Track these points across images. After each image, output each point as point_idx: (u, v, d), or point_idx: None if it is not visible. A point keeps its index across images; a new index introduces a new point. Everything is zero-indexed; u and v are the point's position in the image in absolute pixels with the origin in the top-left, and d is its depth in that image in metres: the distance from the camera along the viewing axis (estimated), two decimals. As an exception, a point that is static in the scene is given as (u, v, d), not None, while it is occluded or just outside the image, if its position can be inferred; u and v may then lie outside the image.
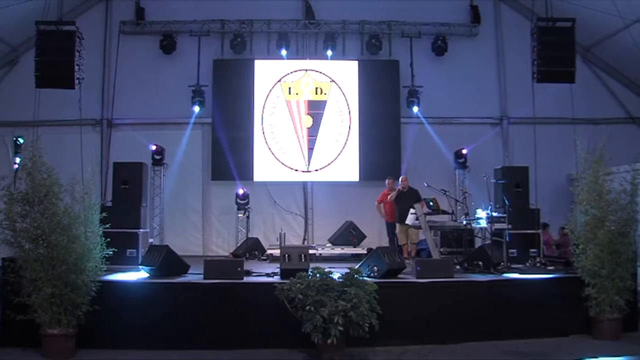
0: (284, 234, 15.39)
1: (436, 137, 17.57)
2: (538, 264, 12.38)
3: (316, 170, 17.53)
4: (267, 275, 10.51)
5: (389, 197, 14.46)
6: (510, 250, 12.30)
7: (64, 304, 8.57)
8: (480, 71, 17.96)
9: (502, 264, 11.58)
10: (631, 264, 10.07)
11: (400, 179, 14.43)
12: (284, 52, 17.45)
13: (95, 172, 14.16)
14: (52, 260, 8.60)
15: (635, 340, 9.79)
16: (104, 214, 9.76)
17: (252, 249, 15.15)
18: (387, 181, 15.05)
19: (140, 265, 10.69)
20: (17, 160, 12.38)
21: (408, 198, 13.41)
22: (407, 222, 12.82)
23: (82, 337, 8.87)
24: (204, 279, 9.74)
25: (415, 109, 17.42)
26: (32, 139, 9.78)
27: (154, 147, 16.42)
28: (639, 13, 14.67)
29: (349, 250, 15.62)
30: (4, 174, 9.12)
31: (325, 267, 9.25)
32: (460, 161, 17.27)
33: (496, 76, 18.09)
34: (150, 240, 14.16)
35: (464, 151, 17.21)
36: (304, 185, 17.87)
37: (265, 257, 14.72)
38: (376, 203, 15.20)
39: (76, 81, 12.29)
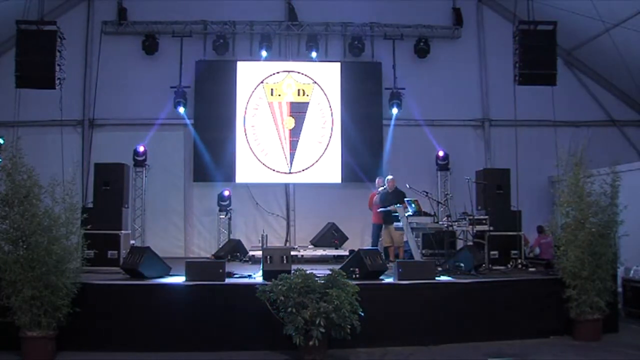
0: (266, 235, 15.33)
1: (418, 139, 17.62)
2: (519, 266, 12.46)
3: (298, 171, 17.51)
4: (249, 276, 10.52)
5: (373, 199, 14.59)
6: (492, 252, 12.40)
7: (44, 306, 8.49)
8: (463, 73, 18.04)
9: (484, 265, 11.65)
10: (611, 266, 10.18)
11: (386, 180, 14.53)
12: (263, 53, 17.40)
13: (77, 173, 14.05)
14: (32, 262, 8.51)
15: (615, 341, 9.88)
16: (85, 215, 9.73)
17: (234, 250, 15.12)
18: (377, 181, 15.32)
19: (122, 266, 10.64)
20: (-3, 161, 12.29)
21: (394, 199, 13.44)
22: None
23: (63, 339, 8.79)
24: (186, 280, 9.69)
25: (396, 110, 17.46)
26: (12, 139, 9.64)
27: (141, 149, 16.43)
28: (620, 17, 14.81)
29: (330, 251, 15.70)
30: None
31: (307, 268, 9.21)
32: (442, 163, 17.37)
33: (478, 78, 18.19)
34: (132, 241, 14.06)
35: (446, 153, 17.31)
36: (286, 186, 17.85)
37: (247, 259, 14.71)
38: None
39: (57, 81, 12.17)
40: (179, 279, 9.90)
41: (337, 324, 8.27)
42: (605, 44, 15.88)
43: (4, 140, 13.63)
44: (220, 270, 9.84)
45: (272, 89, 17.67)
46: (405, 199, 12.66)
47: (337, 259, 14.88)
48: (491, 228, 12.25)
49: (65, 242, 8.99)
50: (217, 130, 17.41)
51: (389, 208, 12.94)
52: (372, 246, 14.62)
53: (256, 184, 17.58)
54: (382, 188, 14.85)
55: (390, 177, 14.63)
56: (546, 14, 13.93)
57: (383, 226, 14.53)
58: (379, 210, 13.95)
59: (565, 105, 16.55)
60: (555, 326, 10.06)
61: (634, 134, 18.13)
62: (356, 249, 11.07)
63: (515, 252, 12.82)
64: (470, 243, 12.55)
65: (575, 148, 10.59)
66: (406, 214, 12.03)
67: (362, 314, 8.61)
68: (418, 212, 12.10)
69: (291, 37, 18.05)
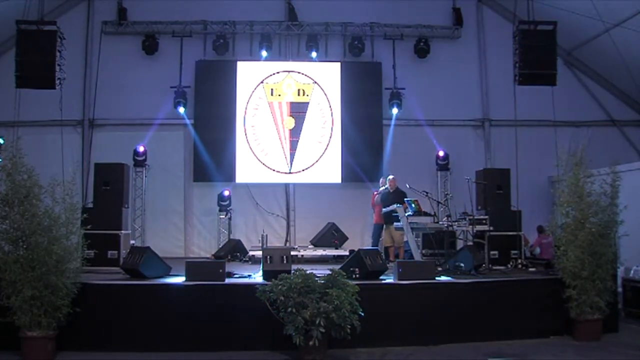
0: (266, 235, 15.29)
1: (418, 139, 17.61)
2: (519, 266, 12.45)
3: (298, 171, 17.51)
4: (249, 276, 10.52)
5: (375, 199, 14.67)
6: (492, 252, 12.40)
7: (44, 306, 8.48)
8: (463, 73, 18.04)
9: (484, 265, 11.64)
10: (611, 266, 10.17)
11: (387, 180, 14.57)
12: (264, 53, 17.41)
13: (77, 173, 14.06)
14: (32, 262, 8.50)
15: (615, 341, 9.87)
16: (85, 215, 9.72)
17: (234, 250, 15.12)
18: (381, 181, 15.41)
19: (122, 266, 10.63)
20: (-3, 161, 12.29)
21: (394, 200, 13.44)
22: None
23: (63, 339, 8.78)
24: (186, 280, 9.69)
25: (396, 110, 17.46)
26: (12, 139, 9.63)
27: (141, 149, 16.47)
28: (620, 17, 14.82)
29: (330, 251, 15.71)
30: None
31: (307, 268, 9.21)
32: (442, 163, 17.39)
33: (478, 78, 18.19)
34: (132, 241, 14.06)
35: (446, 153, 17.34)
36: (286, 186, 17.85)
37: (247, 259, 14.71)
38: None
39: (57, 81, 12.16)
40: (179, 279, 9.89)
41: (337, 324, 8.26)
42: (605, 44, 15.89)
43: (4, 140, 13.64)
44: (220, 270, 9.82)
45: (272, 89, 17.66)
46: (406, 199, 12.67)
47: (337, 259, 14.89)
48: (491, 228, 12.25)
49: (65, 242, 8.98)
50: (217, 130, 17.42)
51: (391, 208, 12.93)
52: (372, 246, 14.63)
53: (256, 184, 17.57)
54: (383, 188, 14.87)
55: (391, 176, 14.66)
56: (546, 14, 13.93)
57: (384, 226, 14.54)
58: (383, 211, 13.90)
59: (565, 105, 16.54)
60: (555, 326, 10.05)
61: (634, 134, 18.14)
62: (356, 249, 11.06)
63: (515, 252, 12.82)
64: (470, 243, 12.54)
65: (575, 148, 10.60)
66: (406, 214, 12.03)
67: (362, 314, 8.59)
68: (418, 212, 12.10)
69: (291, 37, 18.04)
